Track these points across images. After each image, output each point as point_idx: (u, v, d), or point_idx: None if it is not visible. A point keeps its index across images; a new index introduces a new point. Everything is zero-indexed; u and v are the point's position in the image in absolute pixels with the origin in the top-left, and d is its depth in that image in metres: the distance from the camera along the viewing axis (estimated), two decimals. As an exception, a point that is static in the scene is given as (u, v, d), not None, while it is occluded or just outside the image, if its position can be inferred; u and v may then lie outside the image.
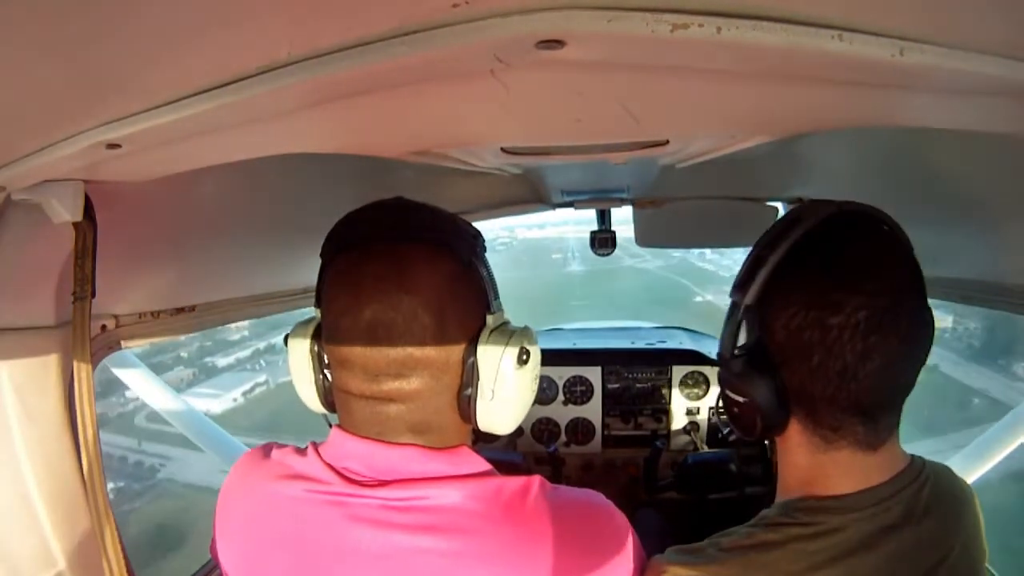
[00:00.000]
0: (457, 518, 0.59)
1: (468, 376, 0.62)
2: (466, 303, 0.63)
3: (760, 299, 0.65)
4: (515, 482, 0.62)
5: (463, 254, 0.64)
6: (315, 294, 0.67)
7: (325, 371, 0.68)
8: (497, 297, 0.67)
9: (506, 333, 0.64)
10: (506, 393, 0.63)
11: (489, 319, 0.64)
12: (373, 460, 0.62)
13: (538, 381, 0.70)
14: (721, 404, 0.76)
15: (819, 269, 0.62)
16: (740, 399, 0.69)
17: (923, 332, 0.64)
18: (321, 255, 0.66)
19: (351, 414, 0.64)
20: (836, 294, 0.60)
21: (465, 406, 0.63)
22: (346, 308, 0.61)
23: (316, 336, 0.67)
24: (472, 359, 0.62)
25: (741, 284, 0.68)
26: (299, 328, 0.69)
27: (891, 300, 0.60)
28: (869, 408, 0.63)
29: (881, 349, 0.60)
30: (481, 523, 0.59)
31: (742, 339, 0.67)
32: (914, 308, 0.63)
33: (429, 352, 0.61)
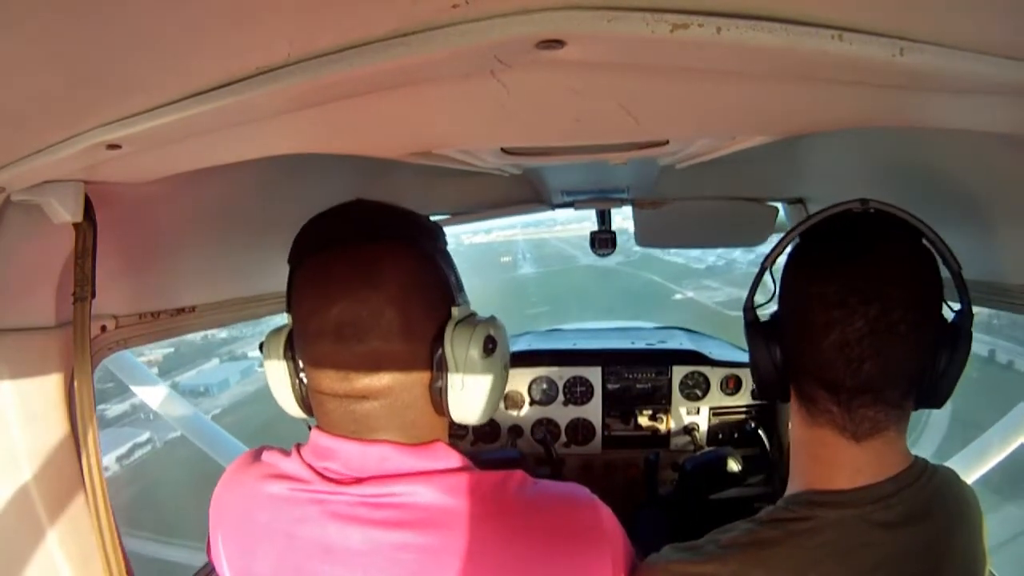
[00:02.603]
0: (432, 513, 0.59)
1: (438, 368, 0.63)
2: (431, 297, 0.64)
3: (782, 266, 0.73)
4: (492, 476, 0.63)
5: (425, 249, 0.65)
6: (286, 300, 0.68)
7: (300, 375, 0.69)
8: (462, 290, 0.68)
9: (471, 324, 0.65)
10: (476, 383, 0.64)
11: (454, 311, 0.65)
12: (350, 458, 0.63)
13: (508, 370, 0.71)
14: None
15: (819, 245, 0.69)
16: (749, 349, 0.75)
17: (904, 330, 0.63)
18: (288, 261, 0.67)
19: (327, 414, 0.65)
20: (820, 266, 0.66)
21: (437, 398, 0.64)
22: (313, 309, 0.62)
23: (289, 341, 0.68)
24: (440, 351, 0.63)
25: (771, 252, 0.76)
26: (272, 335, 0.70)
27: (868, 285, 0.63)
28: (834, 386, 0.65)
29: (842, 324, 0.63)
30: (456, 518, 0.59)
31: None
32: (898, 304, 0.62)
33: (397, 347, 0.61)
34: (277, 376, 0.70)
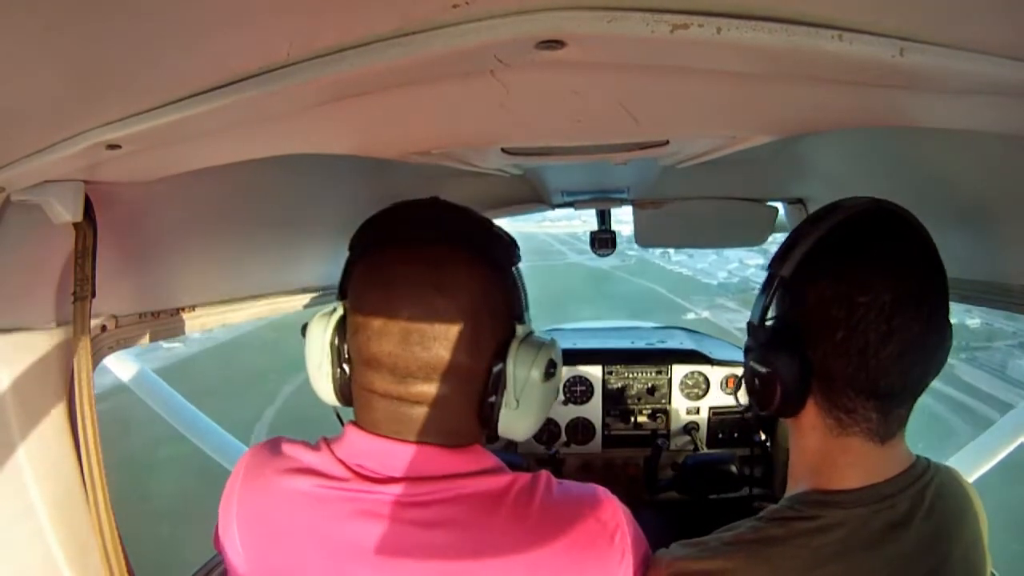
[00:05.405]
0: (468, 514, 0.59)
1: (494, 384, 0.63)
2: (499, 312, 0.63)
3: (795, 273, 0.67)
4: (524, 478, 0.63)
5: (500, 261, 0.64)
6: (339, 287, 0.67)
7: (344, 366, 0.67)
8: (527, 308, 0.67)
9: (535, 345, 0.64)
10: (530, 404, 0.64)
11: (519, 329, 0.64)
12: (389, 458, 0.62)
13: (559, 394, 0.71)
14: (742, 377, 0.77)
15: (852, 251, 0.65)
16: (762, 369, 0.69)
17: (942, 327, 0.65)
18: (350, 248, 0.66)
19: (372, 412, 0.64)
20: (866, 275, 0.63)
21: (488, 413, 0.64)
22: (378, 307, 0.60)
23: (338, 329, 0.66)
24: (500, 367, 0.62)
25: (780, 257, 0.70)
26: (319, 320, 0.68)
27: (916, 289, 0.62)
28: (883, 394, 0.64)
29: (902, 332, 0.62)
30: (491, 519, 0.59)
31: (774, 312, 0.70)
32: (936, 304, 0.64)
33: (461, 358, 0.60)
34: (318, 363, 0.68)
